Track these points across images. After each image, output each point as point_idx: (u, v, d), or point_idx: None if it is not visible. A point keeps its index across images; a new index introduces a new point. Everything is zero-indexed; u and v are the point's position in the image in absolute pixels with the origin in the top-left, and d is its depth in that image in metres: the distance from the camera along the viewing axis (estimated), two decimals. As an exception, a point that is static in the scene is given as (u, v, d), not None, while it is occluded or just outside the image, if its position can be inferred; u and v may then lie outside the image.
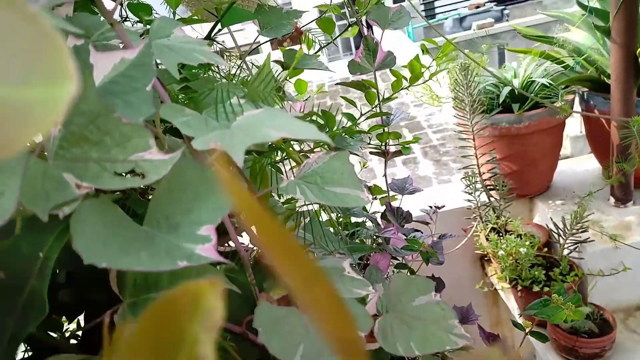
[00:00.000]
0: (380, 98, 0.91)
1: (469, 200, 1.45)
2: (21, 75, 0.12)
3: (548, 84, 1.33)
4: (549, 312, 0.77)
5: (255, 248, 0.48)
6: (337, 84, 0.96)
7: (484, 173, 1.44)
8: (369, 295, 0.45)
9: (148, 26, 0.63)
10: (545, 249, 1.40)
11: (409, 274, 0.91)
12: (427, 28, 8.94)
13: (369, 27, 1.03)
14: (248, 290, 0.41)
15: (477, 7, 9.27)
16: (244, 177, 0.45)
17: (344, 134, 0.89)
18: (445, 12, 9.84)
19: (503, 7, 8.99)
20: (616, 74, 1.24)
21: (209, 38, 0.63)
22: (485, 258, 1.57)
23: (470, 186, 1.42)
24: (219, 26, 0.66)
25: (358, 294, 0.36)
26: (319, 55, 0.86)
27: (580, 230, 1.28)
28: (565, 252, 1.33)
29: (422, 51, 0.93)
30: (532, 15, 9.70)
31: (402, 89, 0.92)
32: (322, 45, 0.97)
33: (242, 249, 0.40)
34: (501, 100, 1.40)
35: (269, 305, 0.33)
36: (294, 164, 0.72)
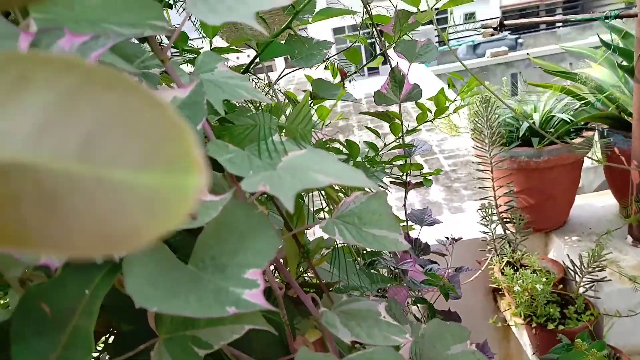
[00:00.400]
0: (404, 130, 0.91)
1: (484, 232, 1.44)
2: (141, 159, 0.12)
3: (569, 120, 1.33)
4: (571, 358, 0.75)
5: (284, 285, 0.48)
6: (361, 113, 0.96)
7: (500, 205, 1.43)
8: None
9: (187, 55, 0.64)
10: (561, 286, 1.38)
11: (428, 308, 0.90)
12: (441, 53, 9.01)
13: (382, 53, 1.04)
14: (280, 329, 0.41)
15: (492, 34, 9.34)
16: (282, 214, 0.45)
17: (366, 163, 0.89)
18: (458, 38, 9.92)
19: (517, 35, 9.07)
20: (638, 114, 1.24)
21: (247, 71, 0.64)
22: (500, 292, 1.55)
23: (487, 218, 1.41)
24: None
25: (395, 341, 0.36)
26: (346, 87, 0.87)
27: (597, 269, 1.26)
28: (581, 290, 1.31)
29: (448, 85, 0.93)
30: (546, 45, 9.76)
31: (426, 121, 0.92)
32: (349, 74, 0.97)
33: (277, 287, 0.40)
34: (521, 134, 1.40)
35: (308, 351, 0.33)
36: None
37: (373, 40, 0.95)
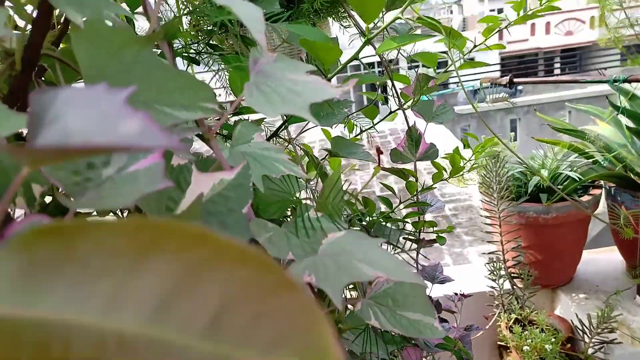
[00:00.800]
0: (419, 188, 0.92)
1: (491, 287, 1.43)
2: (270, 343, 0.12)
3: (577, 179, 1.34)
4: None
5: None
6: (379, 165, 0.97)
7: (508, 260, 1.42)
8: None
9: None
10: (569, 345, 1.36)
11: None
12: (442, 96, 9.16)
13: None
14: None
15: (490, 81, 9.53)
16: (313, 290, 0.44)
17: (381, 220, 0.89)
18: (457, 83, 10.08)
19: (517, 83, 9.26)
20: (647, 175, 1.25)
21: (276, 135, 0.64)
22: (508, 350, 1.52)
23: (495, 272, 1.40)
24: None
25: None
26: (364, 145, 0.88)
27: (606, 330, 1.24)
28: (591, 351, 1.29)
29: (464, 145, 0.94)
30: (544, 93, 9.95)
31: (442, 180, 0.93)
32: (363, 130, 0.99)
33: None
34: (530, 189, 1.40)
35: None
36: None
37: (387, 94, 0.97)
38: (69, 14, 0.32)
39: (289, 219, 0.54)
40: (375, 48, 0.60)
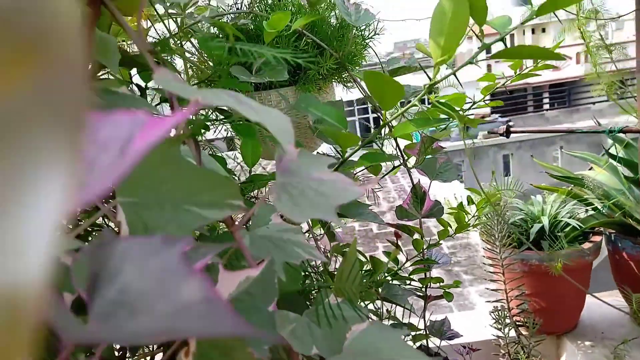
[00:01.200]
0: (425, 245, 0.92)
1: (497, 336, 1.41)
2: None
3: (578, 227, 1.35)
4: None
5: None
6: (386, 223, 0.97)
7: (512, 308, 1.41)
8: None
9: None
10: (578, 396, 1.33)
11: None
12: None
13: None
14: None
15: (483, 117, 9.71)
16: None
17: (389, 279, 0.89)
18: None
19: (508, 118, 9.43)
20: (647, 223, 1.26)
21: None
22: (515, 402, 1.49)
23: (500, 321, 1.38)
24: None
25: None
26: (370, 205, 0.88)
27: (616, 381, 1.23)
28: (601, 402, 1.26)
29: (468, 202, 0.95)
30: (537, 127, 10.11)
31: (447, 236, 0.93)
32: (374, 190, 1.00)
33: None
34: (531, 237, 1.41)
35: None
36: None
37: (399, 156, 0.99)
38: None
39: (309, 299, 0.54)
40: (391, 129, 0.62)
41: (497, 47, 0.67)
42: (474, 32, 0.56)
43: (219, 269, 0.35)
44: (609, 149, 1.62)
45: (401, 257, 0.94)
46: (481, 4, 0.49)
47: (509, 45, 0.53)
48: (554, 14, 0.57)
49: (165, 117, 0.15)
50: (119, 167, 0.13)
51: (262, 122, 0.31)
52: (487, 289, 1.50)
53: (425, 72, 0.72)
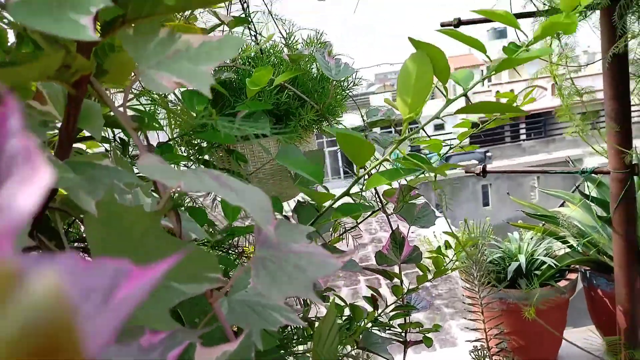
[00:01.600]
0: (405, 290, 0.93)
1: (477, 376, 1.41)
2: None
3: (554, 265, 1.38)
4: None
5: None
6: (365, 268, 0.98)
7: (492, 348, 1.42)
8: None
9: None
10: None
11: None
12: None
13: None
14: None
15: (462, 147, 9.90)
16: None
17: (370, 326, 0.89)
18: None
19: (486, 149, 9.64)
20: (620, 262, 1.29)
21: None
22: None
23: (480, 361, 1.39)
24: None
25: None
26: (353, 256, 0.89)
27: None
28: None
29: (446, 246, 0.97)
30: (512, 157, 10.34)
31: (426, 281, 0.94)
32: (346, 229, 1.01)
33: None
34: (509, 276, 1.43)
35: None
36: None
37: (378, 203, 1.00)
38: (81, 202, 0.34)
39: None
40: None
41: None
42: (438, 88, 0.58)
43: (196, 346, 0.36)
44: (579, 185, 1.67)
45: (382, 299, 0.95)
46: (443, 65, 0.51)
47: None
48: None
49: (150, 267, 0.16)
50: (111, 319, 0.14)
51: (242, 205, 0.32)
52: (467, 328, 1.51)
53: (396, 130, 0.74)
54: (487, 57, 0.56)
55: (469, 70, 0.60)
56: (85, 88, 0.34)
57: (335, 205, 0.66)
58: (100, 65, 0.41)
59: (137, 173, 0.54)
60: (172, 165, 0.43)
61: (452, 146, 1.12)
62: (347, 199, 0.71)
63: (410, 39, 0.50)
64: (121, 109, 0.35)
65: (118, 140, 0.66)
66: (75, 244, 0.55)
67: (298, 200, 0.83)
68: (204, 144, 0.81)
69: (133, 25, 0.34)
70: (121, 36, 0.33)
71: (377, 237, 5.25)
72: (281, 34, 0.88)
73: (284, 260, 0.36)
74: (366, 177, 0.65)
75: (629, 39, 1.04)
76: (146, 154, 0.32)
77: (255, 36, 0.89)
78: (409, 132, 0.62)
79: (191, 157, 0.78)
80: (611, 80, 1.12)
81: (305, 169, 0.60)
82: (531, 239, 1.54)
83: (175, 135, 0.76)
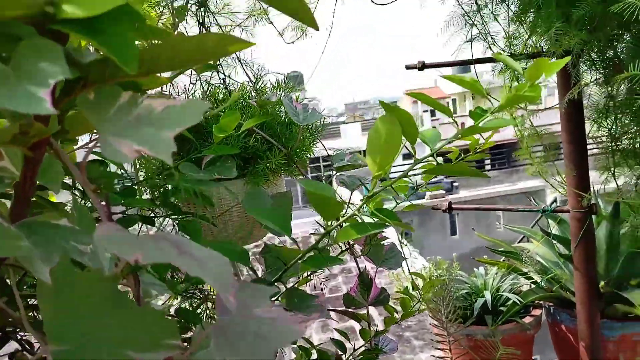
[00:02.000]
0: (372, 333, 0.92)
1: (446, 415, 1.40)
2: None
3: (518, 302, 1.40)
4: None
5: None
6: (332, 310, 0.97)
7: (461, 386, 1.42)
8: None
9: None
10: None
11: None
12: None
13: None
14: None
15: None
16: None
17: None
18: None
19: (453, 180, 9.84)
20: (581, 299, 1.33)
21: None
22: None
23: (448, 400, 1.38)
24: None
25: None
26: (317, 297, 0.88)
27: None
28: None
29: (412, 288, 0.97)
30: (477, 187, 10.58)
31: (394, 323, 0.94)
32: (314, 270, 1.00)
33: None
34: (475, 312, 1.44)
35: None
36: None
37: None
38: (35, 271, 0.32)
39: None
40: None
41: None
42: (407, 147, 0.60)
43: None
44: (538, 219, 1.72)
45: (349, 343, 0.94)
46: (412, 128, 0.53)
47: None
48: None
49: None
50: None
51: (202, 276, 0.32)
52: (434, 341, 1.50)
53: (365, 186, 0.75)
54: (455, 121, 0.59)
55: (437, 130, 0.62)
56: (43, 150, 0.34)
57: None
58: (61, 125, 0.40)
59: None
60: (131, 232, 0.42)
61: (418, 186, 1.14)
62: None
63: (381, 103, 0.52)
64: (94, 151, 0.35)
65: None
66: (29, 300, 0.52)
67: (265, 244, 0.82)
68: (169, 186, 0.80)
69: (93, 89, 0.34)
70: (81, 101, 0.33)
71: (347, 268, 5.23)
72: (249, 78, 0.89)
73: (245, 328, 0.35)
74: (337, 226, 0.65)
75: (582, 86, 1.09)
76: (103, 223, 0.31)
77: (223, 80, 0.89)
78: (379, 183, 0.63)
79: (156, 201, 0.77)
80: (568, 124, 1.17)
81: (272, 219, 0.59)
82: (496, 274, 1.57)
83: (140, 179, 0.75)
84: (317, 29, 0.36)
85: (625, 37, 0.98)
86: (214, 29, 0.93)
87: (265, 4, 0.34)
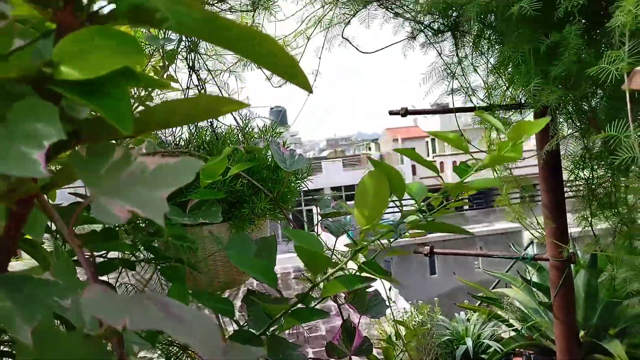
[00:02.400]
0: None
1: None
2: None
3: (499, 350, 1.39)
4: None
5: None
6: (316, 359, 0.95)
7: None
8: None
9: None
10: None
11: None
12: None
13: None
14: None
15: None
16: None
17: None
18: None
19: (432, 218, 9.92)
20: (561, 347, 1.33)
21: None
22: None
23: None
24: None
25: None
26: (300, 346, 0.87)
27: None
28: None
29: (396, 337, 0.96)
30: (457, 224, 10.64)
31: (376, 373, 0.92)
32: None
33: None
34: (457, 359, 1.43)
35: None
36: None
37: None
38: (15, 332, 0.31)
39: None
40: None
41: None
42: (394, 202, 0.61)
43: None
44: (513, 263, 1.74)
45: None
46: (399, 183, 0.54)
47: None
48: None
49: None
50: None
51: (188, 342, 0.31)
52: None
53: (352, 239, 0.75)
54: (441, 178, 0.60)
55: (423, 185, 0.63)
56: (31, 205, 0.33)
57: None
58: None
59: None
60: (118, 295, 0.41)
61: (402, 233, 1.14)
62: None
63: (370, 159, 0.53)
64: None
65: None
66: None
67: (248, 289, 0.81)
68: (152, 230, 0.79)
69: (86, 146, 0.33)
70: (73, 158, 0.33)
71: (326, 306, 5.16)
72: (236, 121, 0.90)
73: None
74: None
75: (560, 138, 1.13)
76: (90, 285, 0.30)
77: (211, 122, 0.90)
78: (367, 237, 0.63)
79: (138, 245, 0.76)
80: (546, 174, 1.20)
81: (255, 270, 0.59)
82: (477, 320, 1.56)
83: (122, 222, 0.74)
84: (310, 91, 0.37)
85: (599, 94, 1.03)
86: (204, 74, 0.94)
87: (259, 65, 0.35)
